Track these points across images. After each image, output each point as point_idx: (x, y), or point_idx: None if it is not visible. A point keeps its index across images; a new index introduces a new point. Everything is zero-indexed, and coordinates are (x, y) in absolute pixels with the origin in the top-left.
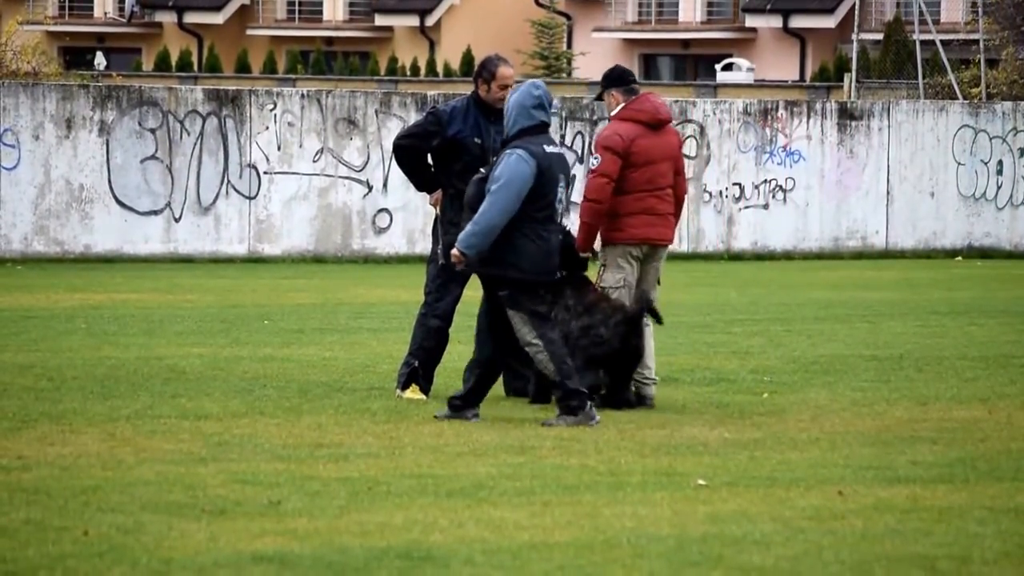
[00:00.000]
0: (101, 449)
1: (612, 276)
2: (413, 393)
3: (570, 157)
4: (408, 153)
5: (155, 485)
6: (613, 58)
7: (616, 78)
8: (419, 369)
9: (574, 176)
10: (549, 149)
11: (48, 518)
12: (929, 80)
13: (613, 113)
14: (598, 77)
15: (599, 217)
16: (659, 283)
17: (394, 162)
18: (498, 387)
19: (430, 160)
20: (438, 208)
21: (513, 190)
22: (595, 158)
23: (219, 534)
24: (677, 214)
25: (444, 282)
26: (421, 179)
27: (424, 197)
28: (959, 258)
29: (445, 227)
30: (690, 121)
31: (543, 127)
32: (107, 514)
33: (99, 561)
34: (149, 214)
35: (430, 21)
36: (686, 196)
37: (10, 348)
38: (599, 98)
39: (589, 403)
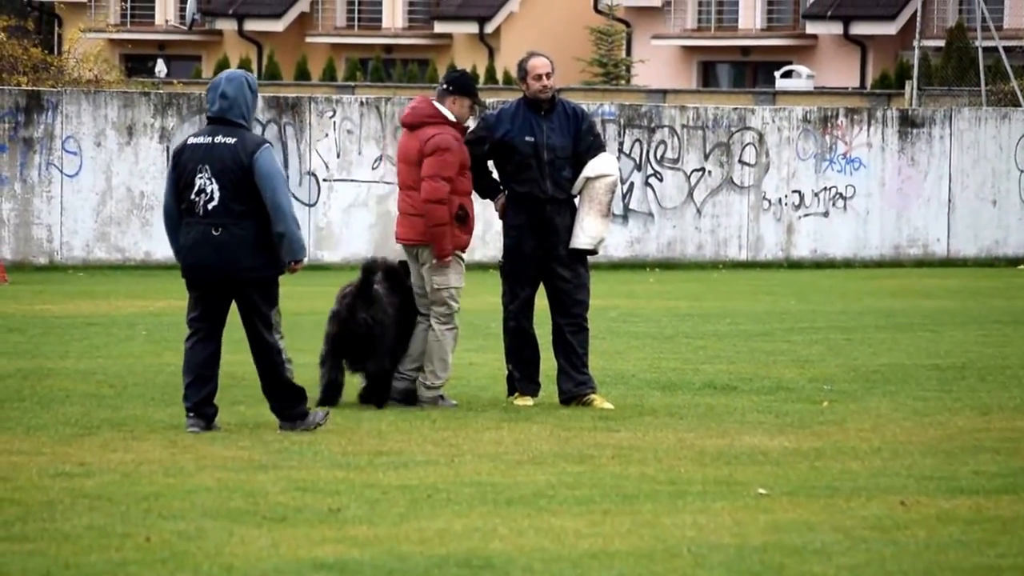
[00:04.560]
0: (163, 456)
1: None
2: (519, 400)
3: (627, 165)
4: None
5: (216, 492)
6: (672, 65)
7: (472, 87)
8: (515, 373)
9: (622, 182)
10: (192, 140)
11: (111, 524)
12: (992, 87)
13: (468, 122)
14: (657, 85)
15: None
16: None
17: None
18: (554, 395)
19: (492, 166)
20: (500, 215)
21: (166, 180)
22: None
23: (280, 541)
24: (407, 213)
25: (509, 286)
26: (482, 185)
27: (484, 204)
28: (1022, 267)
29: (505, 230)
30: (749, 128)
31: (210, 118)
32: (169, 520)
33: (161, 567)
34: None
35: (489, 28)
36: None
37: (72, 355)
38: (442, 96)
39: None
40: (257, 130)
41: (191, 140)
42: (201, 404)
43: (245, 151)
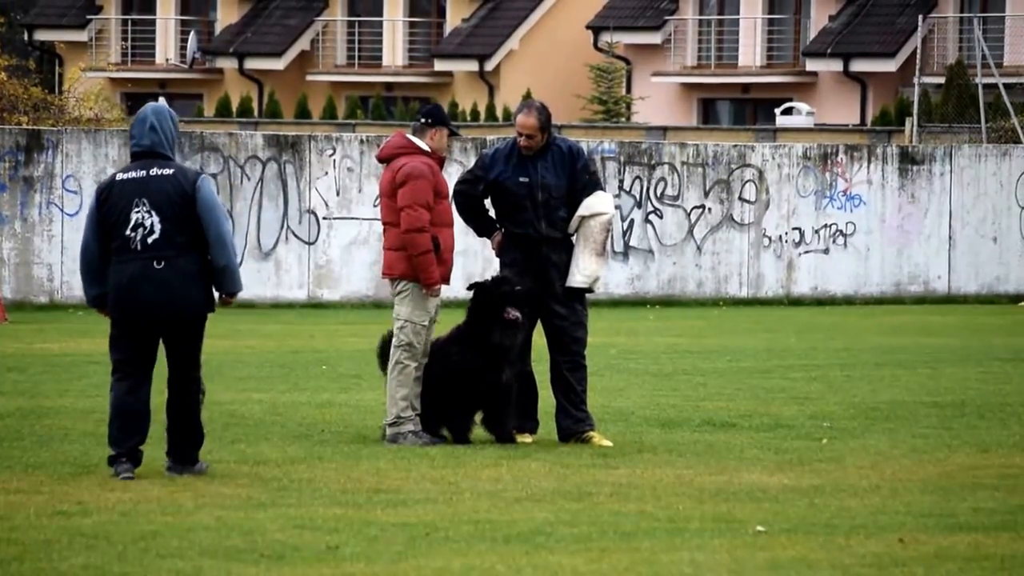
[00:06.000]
0: (160, 494)
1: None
2: (517, 437)
3: (628, 202)
4: (463, 199)
5: (214, 530)
6: (672, 103)
7: (447, 118)
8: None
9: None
10: (121, 176)
11: (108, 564)
12: (992, 124)
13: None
14: (657, 122)
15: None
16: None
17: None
18: (552, 432)
19: (489, 205)
20: (496, 252)
21: (86, 221)
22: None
23: None
24: (386, 248)
25: None
26: (479, 224)
27: (484, 242)
28: (1023, 303)
29: (501, 267)
30: (749, 165)
31: (137, 152)
32: (166, 559)
33: None
34: None
35: (489, 66)
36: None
37: (71, 393)
38: (422, 130)
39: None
40: (256, 167)
41: (120, 176)
42: (134, 449)
43: (187, 181)
